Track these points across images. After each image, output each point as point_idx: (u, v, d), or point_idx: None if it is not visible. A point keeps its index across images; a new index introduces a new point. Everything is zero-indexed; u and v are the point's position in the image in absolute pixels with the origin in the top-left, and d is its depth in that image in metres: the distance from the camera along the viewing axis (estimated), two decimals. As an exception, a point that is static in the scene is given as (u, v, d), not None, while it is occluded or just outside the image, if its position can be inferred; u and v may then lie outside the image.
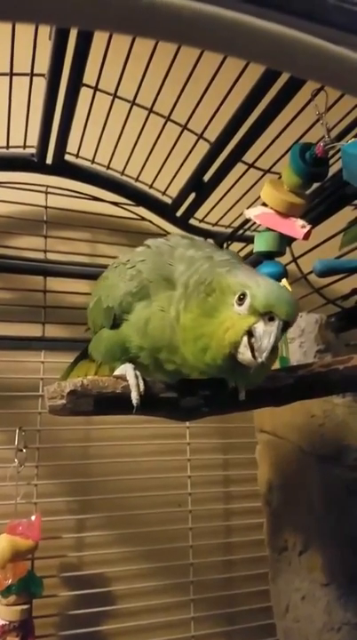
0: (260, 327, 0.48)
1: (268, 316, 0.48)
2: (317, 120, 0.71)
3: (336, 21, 0.31)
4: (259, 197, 0.77)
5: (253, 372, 0.49)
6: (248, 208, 0.79)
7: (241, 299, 0.49)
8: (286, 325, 0.49)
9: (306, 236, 0.71)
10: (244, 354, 0.48)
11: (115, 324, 0.61)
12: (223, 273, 0.52)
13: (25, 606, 0.80)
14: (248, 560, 1.02)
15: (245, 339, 0.48)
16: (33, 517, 0.85)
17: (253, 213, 0.75)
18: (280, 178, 0.75)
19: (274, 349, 0.48)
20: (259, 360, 0.47)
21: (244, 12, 0.28)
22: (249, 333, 0.48)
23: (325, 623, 0.74)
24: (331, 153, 0.70)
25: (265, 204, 0.74)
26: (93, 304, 0.68)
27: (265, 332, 0.48)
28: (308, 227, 0.71)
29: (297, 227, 0.71)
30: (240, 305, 0.49)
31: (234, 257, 0.61)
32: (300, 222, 0.71)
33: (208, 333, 0.50)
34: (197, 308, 0.52)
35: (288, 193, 0.72)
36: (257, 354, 0.48)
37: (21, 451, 0.89)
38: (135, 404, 0.54)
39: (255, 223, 0.89)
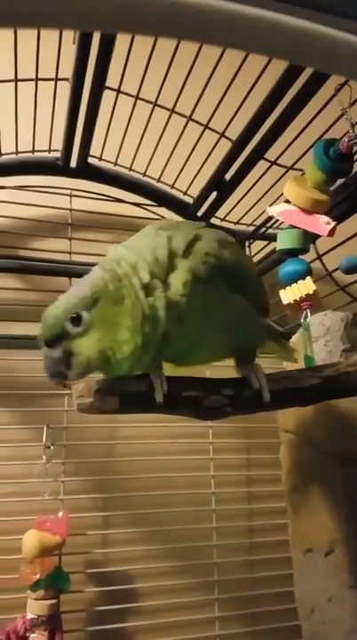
0: None
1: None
2: (341, 115, 0.70)
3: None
4: (282, 195, 0.76)
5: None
6: (270, 205, 0.78)
7: None
8: (50, 343, 0.52)
9: (331, 233, 0.70)
10: None
11: None
12: None
13: (53, 601, 0.82)
14: (272, 560, 1.01)
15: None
16: (60, 514, 0.87)
17: (276, 211, 0.74)
18: (303, 174, 0.75)
19: (56, 373, 0.53)
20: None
21: (264, 7, 0.28)
22: None
23: (353, 626, 0.73)
24: (356, 148, 0.69)
25: (288, 202, 0.74)
26: None
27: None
28: (333, 223, 0.70)
29: (321, 223, 0.70)
30: None
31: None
32: (325, 219, 0.70)
33: None
34: None
35: (312, 189, 0.71)
36: None
37: (49, 448, 0.91)
38: (159, 403, 0.54)
39: (277, 221, 0.89)
